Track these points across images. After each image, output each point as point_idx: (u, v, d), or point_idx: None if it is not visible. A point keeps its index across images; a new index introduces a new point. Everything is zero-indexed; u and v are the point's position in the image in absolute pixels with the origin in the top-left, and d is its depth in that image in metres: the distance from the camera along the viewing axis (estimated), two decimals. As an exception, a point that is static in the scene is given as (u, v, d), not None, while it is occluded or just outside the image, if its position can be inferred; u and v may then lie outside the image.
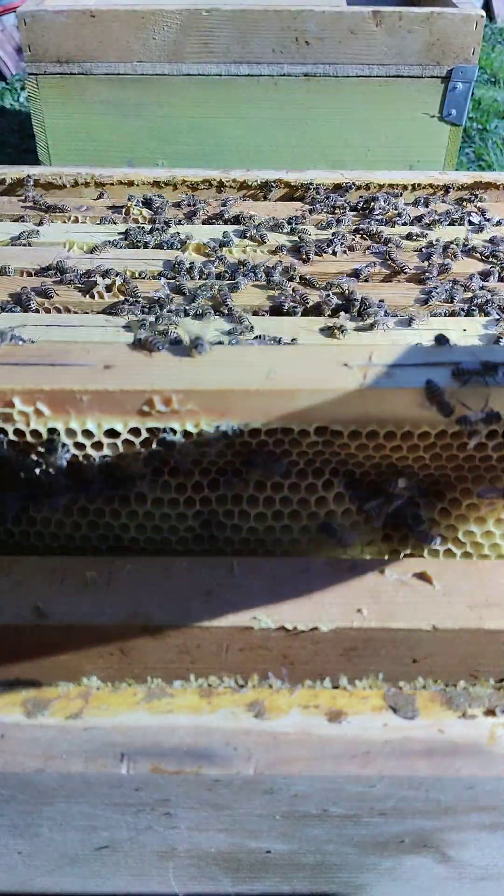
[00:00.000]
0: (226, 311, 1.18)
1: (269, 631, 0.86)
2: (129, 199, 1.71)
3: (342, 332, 1.29)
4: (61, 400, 0.83)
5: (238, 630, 0.86)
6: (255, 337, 1.12)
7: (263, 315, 1.33)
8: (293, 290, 1.38)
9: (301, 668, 0.87)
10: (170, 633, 0.86)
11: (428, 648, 0.88)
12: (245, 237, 1.55)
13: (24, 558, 0.93)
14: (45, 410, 0.84)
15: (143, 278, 1.44)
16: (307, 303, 1.33)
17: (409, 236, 1.54)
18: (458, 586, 0.90)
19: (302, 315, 1.37)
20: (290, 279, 1.41)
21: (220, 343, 0.95)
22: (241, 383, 0.84)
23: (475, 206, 1.67)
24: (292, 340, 1.23)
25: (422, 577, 0.91)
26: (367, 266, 1.41)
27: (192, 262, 1.42)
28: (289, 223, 1.61)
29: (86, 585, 0.89)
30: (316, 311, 1.36)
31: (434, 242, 1.53)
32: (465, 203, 1.69)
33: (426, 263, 1.46)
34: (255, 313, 1.36)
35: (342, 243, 1.54)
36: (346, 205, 1.68)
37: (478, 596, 0.89)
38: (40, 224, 1.63)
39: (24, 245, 1.55)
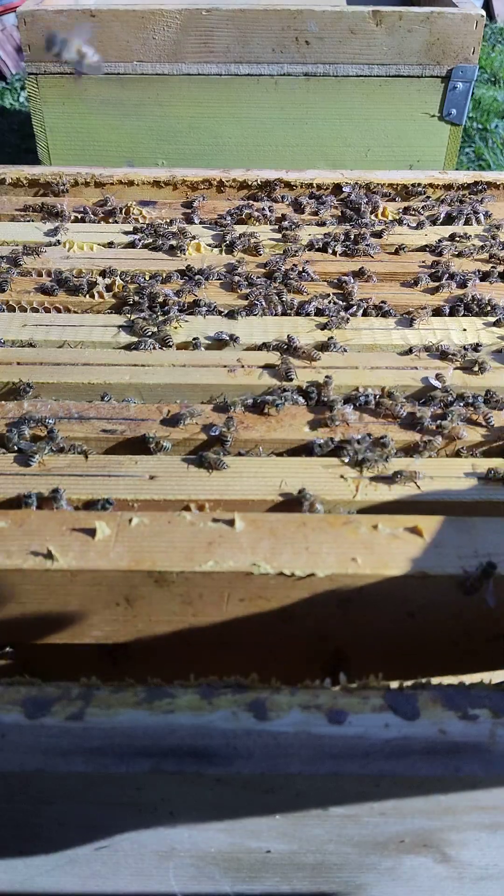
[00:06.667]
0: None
1: (268, 578, 0.89)
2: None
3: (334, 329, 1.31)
4: (118, 505, 1.01)
5: (238, 577, 0.90)
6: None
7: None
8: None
9: (298, 623, 0.93)
10: (173, 579, 0.90)
11: (421, 599, 0.91)
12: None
13: (36, 512, 0.97)
14: None
15: (144, 278, 1.45)
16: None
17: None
18: (449, 540, 0.93)
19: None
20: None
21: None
22: (259, 493, 1.02)
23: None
24: (292, 335, 1.27)
25: (413, 530, 0.94)
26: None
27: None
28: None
29: (94, 535, 0.93)
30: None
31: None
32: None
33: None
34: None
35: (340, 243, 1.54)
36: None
37: (467, 548, 0.92)
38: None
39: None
